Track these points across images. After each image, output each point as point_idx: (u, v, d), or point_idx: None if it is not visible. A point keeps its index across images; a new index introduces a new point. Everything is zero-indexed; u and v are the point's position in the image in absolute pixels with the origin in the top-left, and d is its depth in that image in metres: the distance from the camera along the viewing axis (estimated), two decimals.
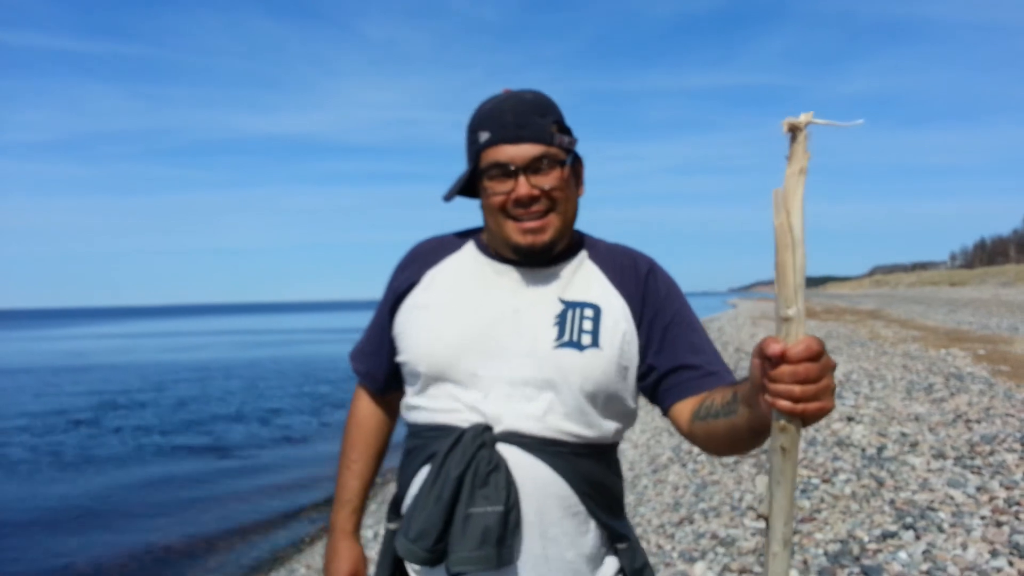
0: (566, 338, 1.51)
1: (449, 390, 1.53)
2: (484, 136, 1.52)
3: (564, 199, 1.54)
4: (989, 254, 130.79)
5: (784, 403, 1.07)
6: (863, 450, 5.85)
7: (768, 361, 1.08)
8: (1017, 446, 5.51)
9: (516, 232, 1.52)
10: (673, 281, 1.64)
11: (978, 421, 6.51)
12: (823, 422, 6.62)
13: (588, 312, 1.54)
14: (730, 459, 6.18)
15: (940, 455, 5.49)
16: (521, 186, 1.49)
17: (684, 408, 1.51)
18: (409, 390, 1.63)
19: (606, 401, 1.53)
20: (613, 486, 1.59)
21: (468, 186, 1.62)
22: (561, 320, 1.53)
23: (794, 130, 1.03)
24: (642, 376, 1.57)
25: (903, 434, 6.22)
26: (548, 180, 1.50)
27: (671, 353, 1.55)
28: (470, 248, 1.67)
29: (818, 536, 4.24)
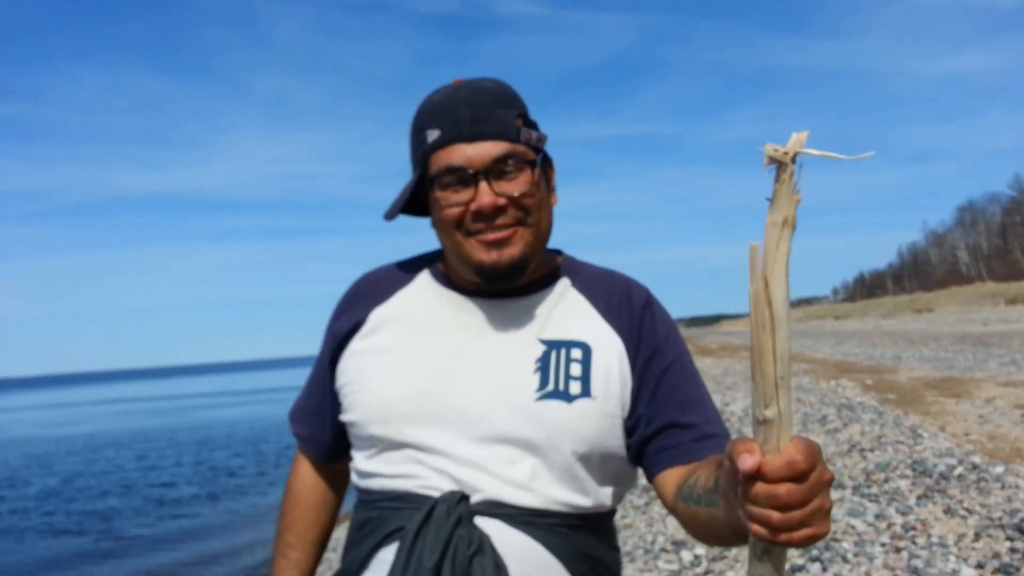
0: (550, 387, 1.22)
1: (410, 454, 1.24)
2: (433, 135, 1.24)
3: (536, 207, 1.26)
4: (869, 287, 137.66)
5: (759, 530, 0.81)
6: None
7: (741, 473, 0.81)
8: (909, 472, 5.73)
9: (477, 249, 1.24)
10: (672, 320, 1.37)
11: (871, 449, 6.75)
12: None
13: (575, 352, 1.26)
14: (640, 500, 6.20)
15: (839, 485, 5.64)
16: (483, 194, 1.21)
17: (671, 478, 1.22)
18: (359, 455, 1.33)
19: (602, 462, 1.25)
20: (611, 563, 1.31)
21: (415, 200, 1.34)
22: (543, 364, 1.24)
23: (778, 162, 0.73)
24: (629, 430, 1.27)
25: None
26: (516, 185, 1.23)
27: (664, 407, 1.26)
28: (425, 278, 1.39)
29: (730, 575, 4.27)
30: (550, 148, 1.33)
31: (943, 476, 5.47)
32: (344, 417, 1.34)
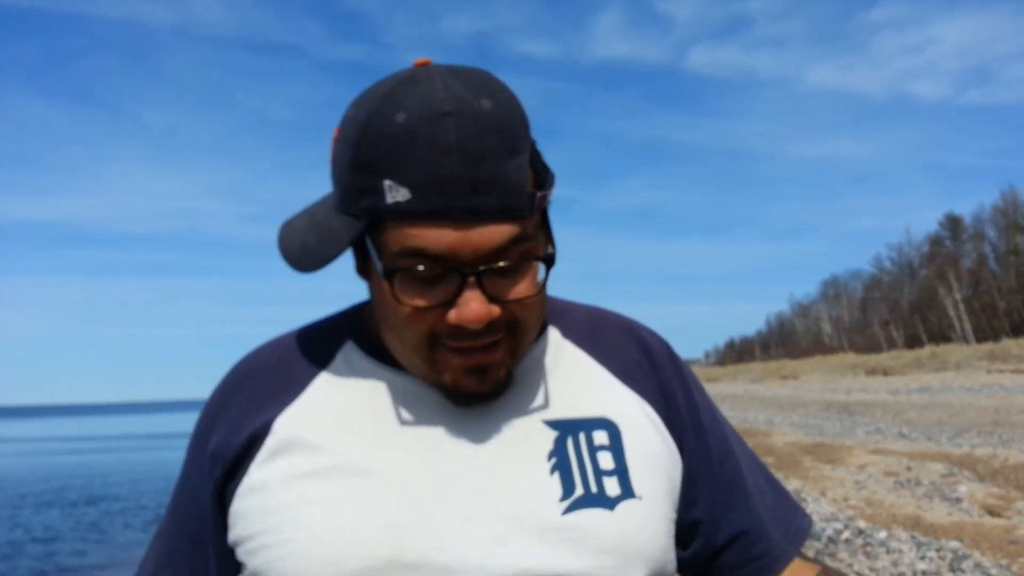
0: (579, 491, 0.84)
1: None
2: (397, 194, 0.76)
3: (535, 318, 0.86)
4: (738, 353, 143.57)
5: None
6: None
7: None
8: None
9: (452, 371, 0.83)
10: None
11: None
12: None
13: (600, 436, 0.88)
14: None
15: None
16: (472, 304, 0.78)
17: None
18: None
19: None
20: None
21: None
22: (560, 459, 0.86)
23: None
24: (683, 538, 0.93)
25: None
26: (517, 287, 0.81)
27: (731, 505, 0.94)
28: (350, 356, 0.93)
29: None
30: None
31: (831, 540, 5.63)
32: None
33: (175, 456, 1.01)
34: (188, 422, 1.01)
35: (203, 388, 1.00)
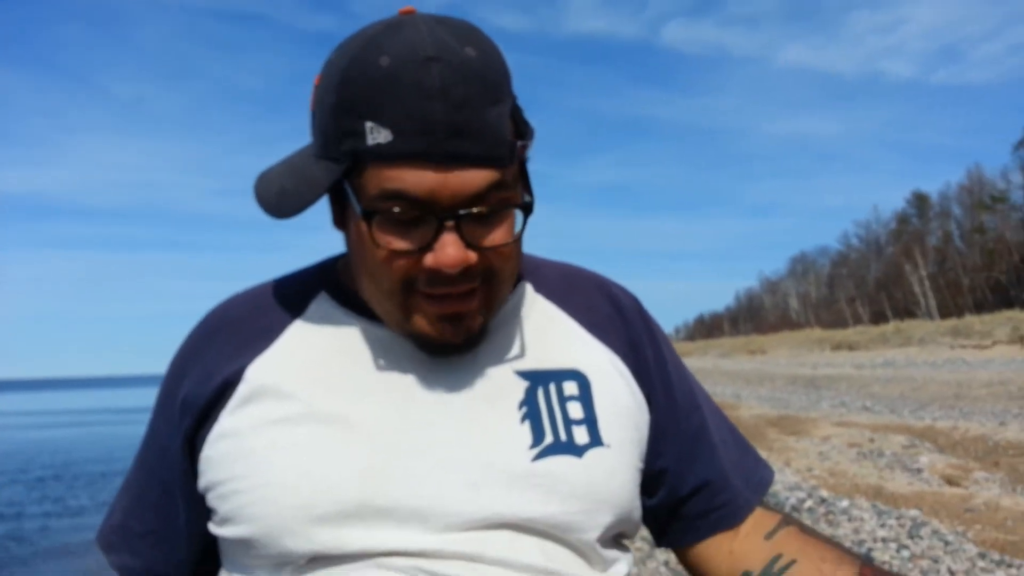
0: (548, 439, 0.86)
1: (354, 567, 0.81)
2: (379, 135, 0.76)
3: (511, 268, 0.86)
4: (708, 328, 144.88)
5: None
6: None
7: None
8: None
9: (423, 320, 0.83)
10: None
11: None
12: None
13: (570, 387, 0.90)
14: None
15: None
16: (448, 247, 0.78)
17: (720, 549, 0.97)
18: None
19: (623, 529, 0.93)
20: None
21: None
22: (531, 408, 0.87)
23: None
24: (648, 487, 0.96)
25: None
26: (493, 233, 0.81)
27: (697, 456, 0.97)
28: (323, 306, 0.93)
29: None
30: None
31: (795, 508, 5.73)
32: (226, 531, 0.86)
33: (142, 430, 1.01)
34: (154, 396, 1.01)
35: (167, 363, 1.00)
